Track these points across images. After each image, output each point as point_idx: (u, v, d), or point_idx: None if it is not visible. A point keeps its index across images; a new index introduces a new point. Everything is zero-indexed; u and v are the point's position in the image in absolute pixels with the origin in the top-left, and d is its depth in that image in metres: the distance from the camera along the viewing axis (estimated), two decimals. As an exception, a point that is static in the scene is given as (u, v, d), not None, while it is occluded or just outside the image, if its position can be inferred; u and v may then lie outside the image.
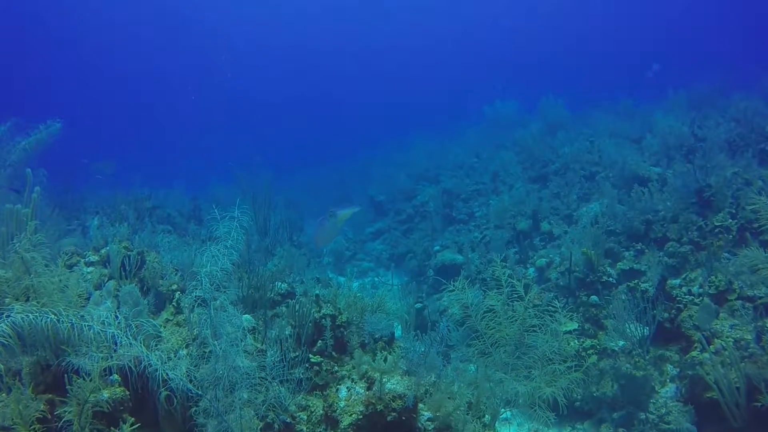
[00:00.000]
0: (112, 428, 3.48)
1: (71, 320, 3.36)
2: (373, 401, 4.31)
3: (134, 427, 3.09)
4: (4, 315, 3.23)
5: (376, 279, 12.77)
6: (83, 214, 11.05)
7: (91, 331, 3.39)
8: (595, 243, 9.00)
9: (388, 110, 45.12)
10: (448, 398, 4.56)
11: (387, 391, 4.36)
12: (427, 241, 12.80)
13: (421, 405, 4.67)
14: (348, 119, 45.89)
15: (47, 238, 7.77)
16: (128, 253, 6.10)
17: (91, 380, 3.14)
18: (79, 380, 3.34)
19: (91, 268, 6.16)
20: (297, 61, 52.94)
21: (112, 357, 3.42)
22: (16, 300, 4.07)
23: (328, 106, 50.86)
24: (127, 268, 6.02)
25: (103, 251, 6.40)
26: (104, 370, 3.66)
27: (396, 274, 12.52)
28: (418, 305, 9.26)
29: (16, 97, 38.95)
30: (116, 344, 3.54)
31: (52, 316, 3.31)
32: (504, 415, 5.67)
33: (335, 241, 14.46)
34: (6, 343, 3.11)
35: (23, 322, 3.22)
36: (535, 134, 15.92)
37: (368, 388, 4.52)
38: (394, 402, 4.31)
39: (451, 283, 4.72)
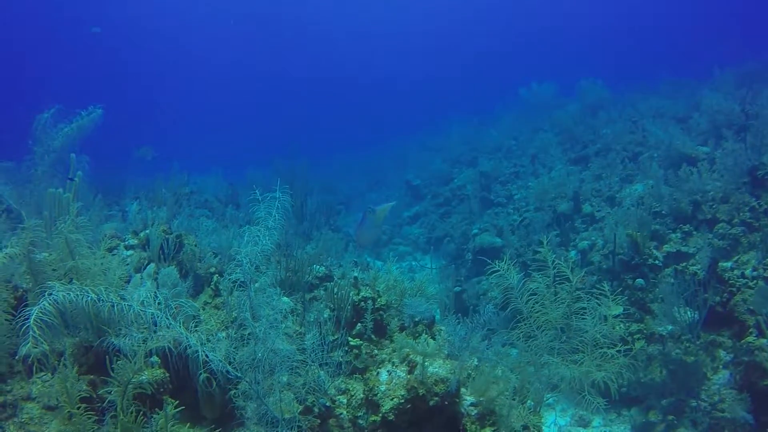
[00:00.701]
0: (156, 409, 3.47)
1: (111, 300, 3.34)
2: (415, 385, 4.20)
3: (178, 409, 3.06)
4: (47, 293, 3.23)
5: (413, 263, 12.67)
6: (123, 200, 11.21)
7: (131, 311, 3.37)
8: (641, 224, 8.68)
9: (424, 95, 44.78)
10: (492, 383, 4.42)
11: (429, 375, 4.25)
12: (464, 224, 12.62)
13: (463, 389, 4.56)
14: (384, 105, 45.77)
15: (89, 223, 7.91)
16: (167, 236, 6.12)
17: (134, 362, 3.12)
18: (120, 362, 3.32)
19: (130, 252, 6.20)
20: (332, 46, 52.85)
21: (152, 338, 3.39)
22: (60, 282, 4.09)
23: (364, 92, 50.83)
24: (165, 251, 6.04)
25: (141, 235, 6.44)
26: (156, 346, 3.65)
27: (434, 257, 12.39)
28: (457, 289, 9.13)
29: (55, 85, 39.85)
30: (155, 325, 3.52)
31: (93, 295, 3.29)
32: (548, 401, 5.51)
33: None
34: (49, 321, 3.10)
35: (65, 300, 3.21)
36: (574, 115, 15.53)
37: (410, 372, 4.41)
38: (436, 386, 4.20)
39: (495, 263, 4.55)
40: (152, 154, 14.68)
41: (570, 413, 7.15)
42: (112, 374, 3.38)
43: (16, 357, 3.97)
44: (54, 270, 4.52)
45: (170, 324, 3.44)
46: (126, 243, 6.51)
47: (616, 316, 7.45)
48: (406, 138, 24.17)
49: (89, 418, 3.24)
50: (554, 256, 4.83)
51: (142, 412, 3.15)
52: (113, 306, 3.35)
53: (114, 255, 6.03)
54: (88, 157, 8.37)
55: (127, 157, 15.63)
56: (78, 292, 3.23)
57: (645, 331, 7.22)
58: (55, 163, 8.37)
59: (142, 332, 3.58)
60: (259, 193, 4.44)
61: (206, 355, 3.44)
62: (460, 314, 5.44)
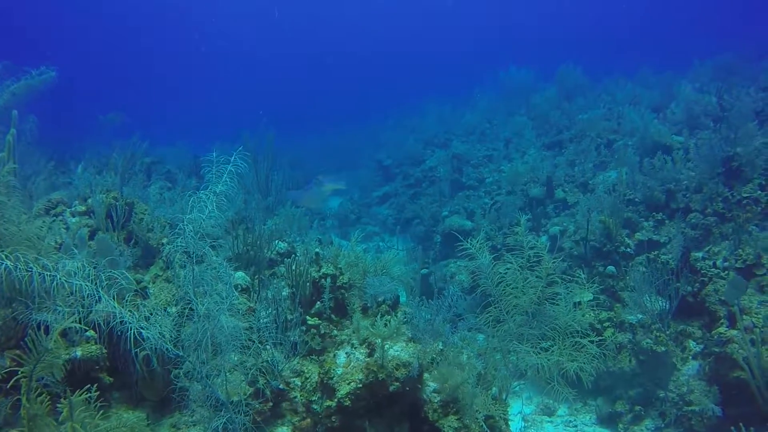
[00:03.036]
0: (82, 388, 3.09)
1: (31, 268, 2.94)
2: (374, 369, 3.89)
3: (88, 395, 2.69)
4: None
5: (381, 243, 12.35)
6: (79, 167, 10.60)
7: (54, 282, 2.97)
8: (613, 211, 8.50)
9: (406, 76, 44.33)
10: (457, 369, 4.14)
11: (390, 358, 3.94)
12: (435, 206, 12.33)
13: (426, 375, 4.27)
14: (365, 85, 45.28)
15: (39, 189, 7.35)
16: (115, 203, 5.66)
17: (50, 338, 2.72)
18: (32, 338, 2.92)
19: (76, 219, 5.74)
20: (313, 23, 51.83)
21: (78, 312, 3.00)
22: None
23: (346, 72, 50.18)
24: (114, 219, 5.60)
25: (89, 201, 5.97)
26: (79, 324, 3.25)
27: (402, 239, 12.09)
28: (424, 271, 8.86)
29: (22, 44, 38.07)
30: (84, 298, 3.13)
31: (9, 263, 2.88)
32: (514, 389, 5.28)
33: (340, 204, 14.04)
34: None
35: (-29, 266, 2.79)
36: (551, 100, 15.33)
37: (369, 355, 4.10)
38: (397, 370, 3.89)
39: (468, 241, 4.25)
40: (122, 119, 14.06)
41: (536, 401, 6.96)
42: (30, 351, 2.99)
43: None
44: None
45: (100, 296, 3.05)
46: (72, 209, 6.04)
47: (586, 302, 7.27)
48: (384, 118, 23.74)
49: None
50: (528, 238, 4.57)
51: (59, 396, 2.76)
52: (32, 274, 2.94)
53: (56, 221, 5.58)
54: (36, 118, 7.81)
55: (93, 124, 14.96)
56: (-10, 258, 2.81)
57: (615, 320, 7.04)
58: (-6, 120, 7.76)
59: (70, 306, 3.18)
60: (215, 155, 4.00)
61: (139, 333, 3.06)
62: (426, 297, 5.15)
